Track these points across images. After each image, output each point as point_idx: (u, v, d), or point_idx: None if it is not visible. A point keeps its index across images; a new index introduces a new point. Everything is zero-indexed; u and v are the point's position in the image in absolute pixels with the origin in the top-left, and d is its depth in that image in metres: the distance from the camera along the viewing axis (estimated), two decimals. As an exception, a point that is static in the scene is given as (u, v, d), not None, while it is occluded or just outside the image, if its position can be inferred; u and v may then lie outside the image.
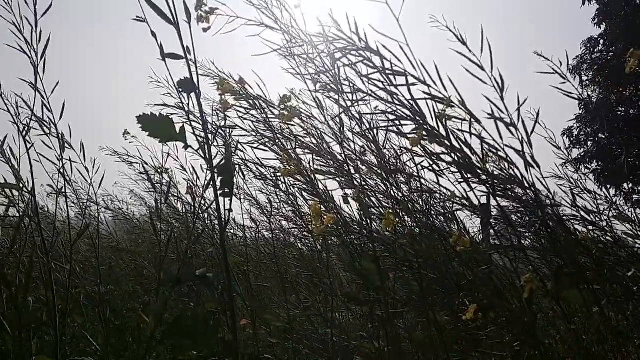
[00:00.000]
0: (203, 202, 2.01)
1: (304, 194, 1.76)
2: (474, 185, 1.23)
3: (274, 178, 1.86)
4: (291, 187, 1.87)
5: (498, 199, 1.27)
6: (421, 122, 1.19)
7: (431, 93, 1.11)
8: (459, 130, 1.18)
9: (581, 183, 1.80)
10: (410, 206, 1.53)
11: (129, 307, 2.52)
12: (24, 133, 1.44)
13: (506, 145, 1.12)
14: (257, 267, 2.63)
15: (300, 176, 1.60)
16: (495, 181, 1.22)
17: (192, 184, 2.17)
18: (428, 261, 1.52)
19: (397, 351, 1.67)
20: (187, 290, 2.45)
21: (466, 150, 1.15)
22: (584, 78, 13.13)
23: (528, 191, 1.22)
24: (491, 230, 1.69)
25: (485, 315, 1.35)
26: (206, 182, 1.20)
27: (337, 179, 1.58)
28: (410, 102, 1.18)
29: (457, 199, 1.23)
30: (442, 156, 1.24)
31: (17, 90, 1.53)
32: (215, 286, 2.03)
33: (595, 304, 1.30)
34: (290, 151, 1.59)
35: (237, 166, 1.77)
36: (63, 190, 1.56)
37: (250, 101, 1.57)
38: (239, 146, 1.72)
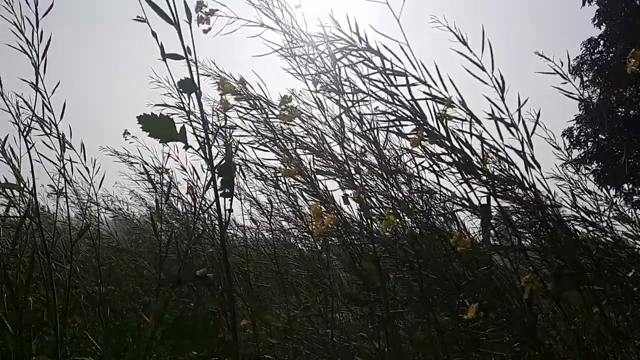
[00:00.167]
0: (203, 202, 2.01)
1: (304, 194, 1.76)
2: (474, 186, 1.23)
3: (275, 178, 1.86)
4: (291, 188, 1.87)
5: (498, 199, 1.27)
6: (421, 122, 1.20)
7: (432, 93, 1.11)
8: (459, 130, 1.18)
9: (581, 184, 1.80)
10: (410, 206, 1.53)
11: (129, 308, 2.52)
12: (25, 133, 1.43)
13: (506, 146, 1.12)
14: (257, 267, 2.63)
15: (301, 176, 1.60)
16: (496, 182, 1.22)
17: (192, 184, 2.17)
18: (428, 261, 1.52)
19: (397, 352, 1.66)
20: (187, 291, 2.45)
21: (467, 150, 1.15)
22: (584, 79, 13.14)
23: (528, 192, 1.22)
24: (491, 231, 1.69)
25: (486, 315, 1.35)
26: (207, 182, 1.20)
27: (338, 179, 1.58)
28: (411, 102, 1.18)
29: (458, 199, 1.23)
30: (443, 157, 1.24)
31: (17, 90, 1.53)
32: (215, 286, 2.03)
33: (595, 304, 1.30)
34: (290, 151, 1.59)
35: (237, 166, 1.77)
36: (63, 191, 1.56)
37: (251, 101, 1.57)
38: (240, 146, 1.72)
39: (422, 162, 1.30)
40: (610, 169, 12.43)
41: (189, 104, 1.12)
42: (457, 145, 1.18)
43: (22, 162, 1.52)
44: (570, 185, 1.89)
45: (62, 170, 1.52)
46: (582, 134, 13.32)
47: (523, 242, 1.43)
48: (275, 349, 2.15)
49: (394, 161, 1.57)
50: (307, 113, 1.53)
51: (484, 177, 1.17)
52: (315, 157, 1.58)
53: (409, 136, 1.26)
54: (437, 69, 1.07)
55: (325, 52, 1.30)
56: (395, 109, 1.22)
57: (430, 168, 1.29)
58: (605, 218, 1.56)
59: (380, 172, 1.50)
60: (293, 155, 1.60)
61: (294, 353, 2.12)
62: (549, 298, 1.34)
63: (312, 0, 1.51)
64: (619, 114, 12.69)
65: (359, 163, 1.52)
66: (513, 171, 1.20)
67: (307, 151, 1.60)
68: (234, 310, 1.21)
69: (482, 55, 1.08)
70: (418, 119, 1.20)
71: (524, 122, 1.09)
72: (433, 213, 1.60)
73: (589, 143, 13.19)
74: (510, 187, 1.24)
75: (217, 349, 1.87)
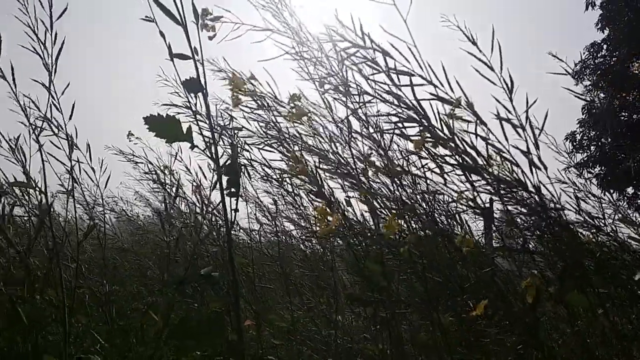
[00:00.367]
0: (208, 202, 2.02)
1: (309, 195, 1.76)
2: (478, 188, 1.24)
3: (280, 179, 1.87)
4: (296, 189, 1.87)
5: (504, 201, 1.28)
6: (426, 124, 1.20)
7: (438, 94, 1.11)
8: (464, 131, 1.19)
9: (585, 187, 1.80)
10: (415, 207, 1.53)
11: (133, 308, 2.52)
12: (38, 133, 1.44)
13: (513, 146, 1.12)
14: (261, 268, 2.63)
15: (306, 177, 1.61)
16: (501, 184, 1.22)
17: (198, 184, 2.17)
18: (432, 263, 1.52)
19: (400, 353, 1.67)
20: (191, 291, 2.45)
21: (472, 152, 1.16)
22: (587, 83, 13.13)
23: (533, 194, 1.22)
24: (494, 233, 1.69)
25: (489, 317, 1.36)
26: (213, 182, 1.21)
27: (344, 181, 1.58)
28: (414, 103, 1.19)
29: (464, 200, 1.23)
30: (447, 158, 1.24)
31: (24, 90, 1.53)
32: (220, 286, 2.03)
33: (600, 306, 1.30)
34: (296, 152, 1.60)
35: (242, 166, 1.77)
36: (73, 191, 1.57)
37: (258, 101, 1.58)
38: (245, 146, 1.72)
39: (427, 163, 1.31)
40: (613, 172, 12.40)
41: (195, 104, 1.13)
42: (462, 147, 1.18)
43: (31, 162, 1.53)
44: (574, 189, 1.88)
45: (71, 171, 1.52)
46: (585, 137, 13.31)
47: (527, 245, 1.43)
48: (279, 349, 2.15)
49: (399, 163, 1.57)
50: (314, 112, 1.53)
51: (490, 179, 1.18)
52: (321, 159, 1.59)
53: (413, 138, 1.26)
54: (444, 69, 1.08)
55: (331, 55, 1.31)
56: (399, 111, 1.22)
57: (434, 170, 1.29)
58: (610, 221, 1.56)
59: (386, 173, 1.51)
60: (299, 156, 1.60)
61: (297, 354, 2.12)
62: (551, 301, 1.34)
63: (315, 1, 1.52)
64: (622, 118, 12.67)
65: (366, 164, 1.52)
66: (516, 174, 1.21)
67: (313, 154, 1.60)
68: (239, 310, 1.22)
69: (492, 56, 1.09)
70: (423, 120, 1.20)
71: (531, 123, 1.09)
72: (436, 215, 1.60)
73: (592, 147, 13.17)
74: (514, 190, 1.24)
75: (221, 349, 1.87)
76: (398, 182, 1.52)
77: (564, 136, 13.05)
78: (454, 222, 1.67)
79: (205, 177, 2.03)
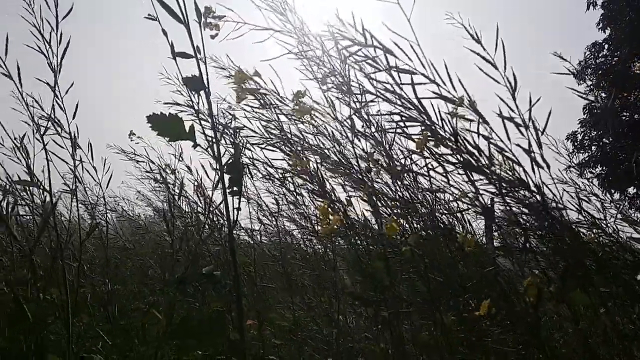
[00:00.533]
0: (210, 201, 2.02)
1: (311, 194, 1.76)
2: (481, 187, 1.24)
3: (282, 178, 1.87)
4: (299, 188, 1.87)
5: (506, 201, 1.27)
6: (428, 123, 1.20)
7: (441, 93, 1.11)
8: (467, 130, 1.19)
9: (588, 186, 1.80)
10: (417, 206, 1.53)
11: (134, 307, 2.52)
12: (43, 133, 1.45)
13: (516, 144, 1.12)
14: (262, 268, 2.63)
15: (308, 176, 1.61)
16: (503, 183, 1.22)
17: (200, 183, 2.17)
18: (433, 262, 1.52)
19: (402, 352, 1.67)
20: (192, 291, 2.46)
21: (475, 152, 1.15)
22: (589, 83, 13.13)
23: (535, 194, 1.22)
24: (495, 233, 1.69)
25: (491, 317, 1.36)
26: (215, 180, 1.21)
27: (347, 180, 1.58)
28: (416, 102, 1.19)
29: (467, 198, 1.23)
30: (449, 157, 1.24)
31: (27, 89, 1.54)
32: (222, 285, 2.03)
33: (602, 306, 1.30)
34: (299, 152, 1.60)
35: (245, 166, 1.77)
36: (76, 190, 1.57)
37: (262, 100, 1.58)
38: (247, 145, 1.72)
39: (429, 163, 1.31)
40: (614, 173, 12.40)
41: (198, 103, 1.13)
42: (465, 147, 1.18)
43: (35, 161, 1.53)
44: (576, 188, 1.88)
45: (74, 170, 1.53)
46: (586, 137, 13.30)
47: (528, 245, 1.43)
48: (280, 349, 2.15)
49: (401, 162, 1.57)
50: (319, 109, 1.53)
51: (493, 178, 1.18)
52: (323, 159, 1.59)
53: (416, 137, 1.26)
54: (447, 67, 1.08)
55: (332, 52, 1.31)
56: (402, 110, 1.22)
57: (436, 170, 1.29)
58: (611, 221, 1.56)
59: (388, 171, 1.51)
60: (301, 155, 1.60)
61: (298, 353, 2.12)
62: (553, 300, 1.34)
63: (317, 1, 1.52)
64: (624, 118, 12.66)
65: (370, 162, 1.52)
66: (518, 173, 1.20)
67: (315, 154, 1.60)
68: (242, 309, 1.22)
69: (495, 54, 1.09)
70: (425, 120, 1.20)
71: (533, 122, 1.09)
72: (438, 214, 1.60)
73: (593, 147, 13.16)
74: (516, 189, 1.24)
75: (222, 349, 1.87)
76: (400, 181, 1.52)
77: (565, 136, 13.05)
78: (456, 222, 1.67)
79: (207, 175, 2.03)
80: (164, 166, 2.47)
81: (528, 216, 1.37)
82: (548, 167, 1.13)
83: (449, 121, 1.15)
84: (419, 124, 1.21)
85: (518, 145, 1.13)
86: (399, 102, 1.20)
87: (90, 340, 2.01)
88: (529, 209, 1.28)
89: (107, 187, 1.80)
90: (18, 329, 1.47)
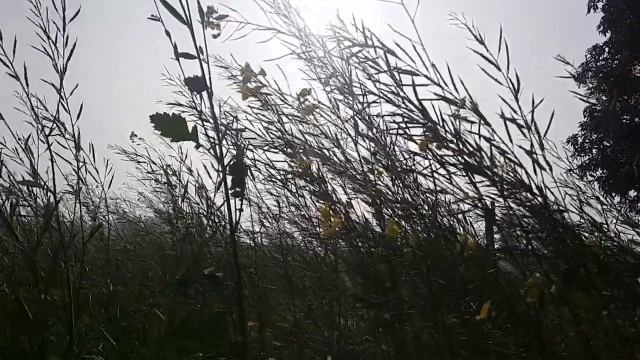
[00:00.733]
0: (212, 203, 2.02)
1: (312, 196, 1.76)
2: (482, 188, 1.24)
3: (284, 180, 1.87)
4: (300, 189, 1.87)
5: (506, 203, 1.27)
6: (431, 125, 1.20)
7: (444, 95, 1.11)
8: (468, 132, 1.19)
9: (589, 188, 1.79)
10: (418, 208, 1.53)
11: (135, 309, 2.52)
12: (48, 133, 1.45)
13: (518, 146, 1.12)
14: (263, 269, 2.63)
15: (310, 178, 1.61)
16: (504, 185, 1.22)
17: (201, 185, 2.17)
18: (435, 264, 1.52)
19: (404, 355, 1.66)
20: (194, 292, 2.45)
21: (478, 153, 1.15)
22: (590, 85, 13.14)
23: (536, 196, 1.22)
24: (496, 235, 1.69)
25: (492, 319, 1.35)
26: (217, 182, 1.21)
27: (347, 182, 1.58)
28: (419, 103, 1.19)
29: (470, 200, 1.23)
30: (450, 159, 1.24)
31: (31, 90, 1.54)
32: (223, 286, 2.03)
33: (603, 308, 1.29)
34: (301, 153, 1.60)
35: (247, 167, 1.77)
36: (79, 191, 1.57)
37: (264, 101, 1.58)
38: (249, 147, 1.72)
39: (430, 164, 1.31)
40: (615, 176, 12.40)
41: (200, 103, 1.13)
42: (467, 148, 1.18)
43: (39, 161, 1.53)
44: (577, 191, 1.88)
45: (78, 171, 1.53)
46: (587, 140, 13.31)
47: (530, 247, 1.42)
48: (281, 351, 2.15)
49: (403, 163, 1.57)
50: (321, 110, 1.53)
51: (495, 180, 1.18)
52: (325, 161, 1.59)
53: (418, 139, 1.26)
54: (449, 69, 1.08)
55: (335, 52, 1.31)
56: (405, 112, 1.22)
57: (438, 172, 1.29)
58: (613, 224, 1.55)
59: (391, 172, 1.51)
60: (304, 157, 1.60)
61: (299, 355, 2.11)
62: (554, 303, 1.34)
63: (319, 2, 1.52)
64: (624, 121, 12.66)
65: (373, 163, 1.52)
66: (520, 175, 1.20)
67: (317, 156, 1.60)
68: (243, 310, 1.22)
69: (499, 56, 1.09)
70: (427, 122, 1.20)
71: (535, 124, 1.09)
72: (439, 216, 1.60)
73: (594, 150, 13.17)
74: (518, 191, 1.24)
75: (223, 350, 1.87)
76: (401, 182, 1.52)
77: (566, 139, 13.06)
78: (457, 224, 1.67)
79: (210, 176, 2.03)
80: (165, 167, 2.48)
81: (530, 218, 1.36)
82: (550, 168, 1.13)
83: (452, 123, 1.15)
84: (420, 125, 1.21)
85: (520, 146, 1.13)
86: (401, 104, 1.20)
87: (91, 341, 2.00)
88: (531, 211, 1.28)
89: (108, 188, 1.80)
90: (19, 329, 1.47)
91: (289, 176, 1.80)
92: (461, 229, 1.64)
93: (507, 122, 1.10)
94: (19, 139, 1.58)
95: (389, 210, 1.56)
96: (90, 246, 2.72)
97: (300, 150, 1.62)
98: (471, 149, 1.19)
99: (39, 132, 1.48)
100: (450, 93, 1.12)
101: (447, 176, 1.25)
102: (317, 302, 2.35)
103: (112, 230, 3.43)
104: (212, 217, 2.10)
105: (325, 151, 1.61)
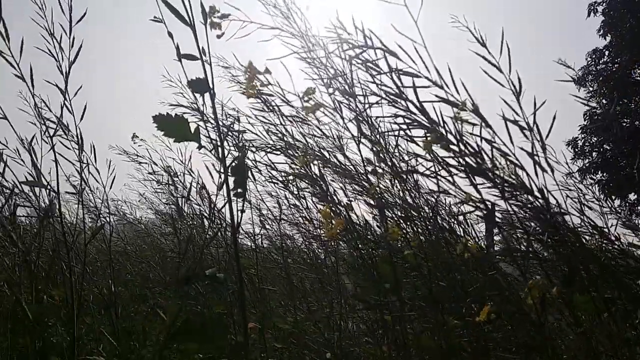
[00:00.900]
0: (214, 205, 2.02)
1: (313, 198, 1.77)
2: (483, 190, 1.24)
3: (285, 181, 1.87)
4: (302, 191, 1.87)
5: (507, 205, 1.28)
6: (434, 127, 1.20)
7: (447, 98, 1.11)
8: (470, 134, 1.19)
9: (591, 190, 1.80)
10: (418, 210, 1.53)
11: (136, 310, 2.52)
12: (52, 134, 1.46)
13: (520, 148, 1.12)
14: (264, 271, 2.63)
15: (311, 180, 1.61)
16: (505, 187, 1.22)
17: (203, 186, 2.17)
18: (436, 266, 1.52)
19: (404, 356, 1.66)
20: (194, 293, 2.46)
21: (480, 155, 1.16)
22: (590, 89, 13.17)
23: (538, 198, 1.22)
24: (496, 237, 1.69)
25: (490, 321, 1.35)
26: (219, 183, 1.21)
27: (348, 183, 1.58)
28: (421, 105, 1.19)
29: (472, 202, 1.23)
30: (451, 160, 1.24)
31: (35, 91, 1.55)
32: (224, 287, 2.03)
33: (605, 310, 1.29)
34: (302, 155, 1.60)
35: (249, 169, 1.77)
36: (82, 192, 1.57)
37: (266, 102, 1.58)
38: (250, 148, 1.73)
39: (433, 165, 1.31)
40: (615, 179, 12.41)
41: (203, 104, 1.13)
42: (470, 150, 1.18)
43: (41, 163, 1.54)
44: (579, 194, 1.88)
45: (80, 172, 1.53)
46: (586, 144, 13.32)
47: (531, 248, 1.42)
48: (282, 352, 2.15)
49: (405, 164, 1.57)
50: (326, 104, 1.53)
51: (497, 181, 1.18)
52: (327, 162, 1.59)
53: (421, 140, 1.26)
54: (450, 71, 1.08)
55: (336, 52, 1.31)
56: (407, 114, 1.23)
57: (440, 174, 1.29)
58: (613, 227, 1.56)
59: (393, 173, 1.51)
60: (305, 159, 1.60)
61: (299, 357, 2.11)
62: (555, 305, 1.34)
63: (320, 2, 1.52)
64: (624, 124, 12.68)
65: (376, 165, 1.52)
66: (521, 177, 1.21)
67: (319, 157, 1.61)
68: (245, 310, 1.22)
69: (500, 58, 1.09)
70: (430, 123, 1.21)
71: (537, 126, 1.09)
72: (439, 218, 1.60)
73: (594, 153, 13.19)
74: (519, 192, 1.24)
75: (224, 352, 1.87)
76: (403, 184, 1.52)
77: (566, 142, 13.07)
78: (457, 226, 1.67)
79: (212, 177, 2.03)
80: (166, 168, 2.48)
81: (531, 220, 1.37)
82: (552, 170, 1.13)
83: (454, 124, 1.16)
84: (422, 127, 1.21)
85: (522, 148, 1.13)
86: (402, 105, 1.20)
87: (92, 342, 2.00)
88: (533, 213, 1.29)
89: (110, 188, 1.81)
90: (19, 330, 1.47)
91: (290, 178, 1.80)
92: (461, 230, 1.64)
93: (509, 123, 1.10)
94: (22, 139, 1.59)
95: (390, 212, 1.57)
96: (91, 247, 2.73)
97: (302, 153, 1.62)
98: (472, 151, 1.19)
99: (43, 132, 1.48)
100: (451, 95, 1.12)
101: (449, 177, 1.25)
102: (317, 304, 2.35)
103: (114, 232, 3.43)
104: (214, 218, 2.10)
105: (327, 153, 1.61)
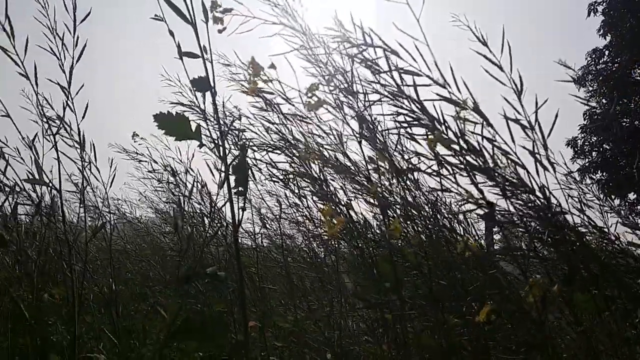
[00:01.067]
0: (215, 204, 2.02)
1: (314, 197, 1.77)
2: (485, 189, 1.24)
3: (286, 180, 1.87)
4: (302, 190, 1.87)
5: (509, 203, 1.28)
6: (436, 125, 1.20)
7: (450, 97, 1.11)
8: (471, 132, 1.19)
9: (591, 189, 1.80)
10: (419, 209, 1.53)
11: (136, 309, 2.52)
12: (55, 133, 1.46)
13: (521, 146, 1.12)
14: (264, 270, 2.63)
15: (312, 179, 1.61)
16: (507, 185, 1.22)
17: (203, 184, 2.18)
18: (436, 264, 1.52)
19: (404, 355, 1.66)
20: (194, 292, 2.46)
21: (479, 153, 1.16)
22: (590, 88, 13.18)
23: (539, 196, 1.22)
24: (496, 236, 1.69)
25: (490, 321, 1.36)
26: (220, 181, 1.21)
27: (348, 182, 1.58)
28: (423, 104, 1.19)
29: (473, 200, 1.23)
30: (452, 158, 1.24)
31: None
32: (225, 285, 2.04)
33: (606, 309, 1.30)
34: (303, 154, 1.60)
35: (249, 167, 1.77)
36: (84, 190, 1.57)
37: (267, 101, 1.58)
38: (251, 147, 1.72)
39: (434, 164, 1.31)
40: (614, 178, 12.42)
41: (204, 103, 1.13)
42: (472, 148, 1.18)
43: (43, 161, 1.54)
44: (579, 193, 1.88)
45: (82, 170, 1.53)
46: (586, 143, 13.33)
47: (531, 247, 1.43)
48: (282, 351, 2.15)
49: (406, 162, 1.57)
50: (330, 103, 1.52)
51: (499, 180, 1.18)
52: (328, 161, 1.59)
53: (423, 138, 1.26)
54: (452, 70, 1.08)
55: (338, 52, 1.31)
56: (408, 112, 1.23)
57: (441, 173, 1.29)
58: (613, 227, 1.56)
59: (394, 172, 1.51)
60: (306, 158, 1.60)
61: (299, 355, 2.12)
62: (556, 304, 1.34)
63: (320, 2, 1.52)
64: (624, 124, 12.69)
65: (378, 163, 1.52)
66: (522, 176, 1.21)
67: (320, 157, 1.60)
68: (245, 309, 1.22)
69: (501, 57, 1.09)
70: (431, 122, 1.21)
71: (539, 125, 1.09)
72: (439, 217, 1.61)
73: (594, 153, 13.20)
74: (520, 191, 1.24)
75: (224, 350, 1.87)
76: (403, 182, 1.52)
77: (566, 142, 13.09)
78: (457, 224, 1.67)
79: (213, 175, 2.03)
80: (166, 166, 2.48)
81: (532, 219, 1.37)
82: (554, 169, 1.13)
83: (456, 123, 1.16)
84: (423, 125, 1.21)
85: (523, 147, 1.13)
86: (404, 104, 1.20)
87: (92, 341, 2.00)
88: (533, 212, 1.29)
89: (110, 187, 1.81)
90: (19, 329, 1.47)
91: (290, 177, 1.80)
92: (462, 229, 1.64)
93: (510, 122, 1.10)
94: (23, 137, 1.59)
95: (391, 210, 1.56)
96: (92, 246, 2.73)
97: (302, 152, 1.62)
98: (474, 149, 1.20)
99: (45, 131, 1.49)
100: (453, 94, 1.12)
101: (451, 175, 1.25)
102: (317, 303, 2.35)
103: (114, 231, 3.43)
104: (214, 217, 2.10)
105: (327, 151, 1.61)
